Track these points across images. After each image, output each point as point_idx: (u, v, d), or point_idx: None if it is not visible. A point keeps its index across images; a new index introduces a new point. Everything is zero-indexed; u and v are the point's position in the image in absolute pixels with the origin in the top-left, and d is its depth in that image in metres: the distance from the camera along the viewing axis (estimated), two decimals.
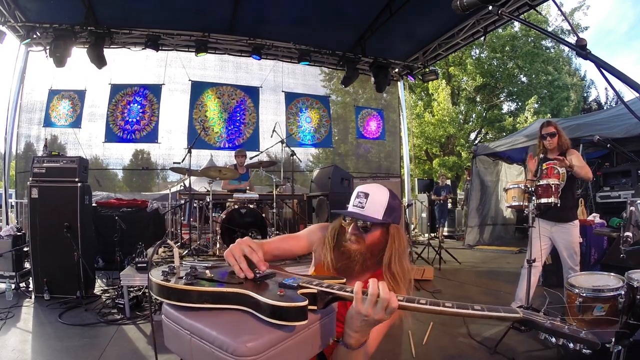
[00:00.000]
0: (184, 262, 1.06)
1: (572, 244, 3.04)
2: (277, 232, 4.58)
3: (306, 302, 0.80)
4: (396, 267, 1.23)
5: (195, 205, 4.63)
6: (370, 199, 1.23)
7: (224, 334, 0.75)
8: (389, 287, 1.20)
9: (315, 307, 0.88)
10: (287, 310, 0.78)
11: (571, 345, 0.74)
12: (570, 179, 3.08)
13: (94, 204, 5.19)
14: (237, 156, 5.73)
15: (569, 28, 18.09)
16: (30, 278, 4.02)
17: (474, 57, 16.49)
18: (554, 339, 0.75)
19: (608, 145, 2.73)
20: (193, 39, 6.82)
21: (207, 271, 0.96)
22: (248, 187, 5.60)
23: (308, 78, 8.73)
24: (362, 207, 1.23)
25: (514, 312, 0.80)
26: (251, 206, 4.26)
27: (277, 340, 0.77)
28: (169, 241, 1.35)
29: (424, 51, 7.74)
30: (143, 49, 6.62)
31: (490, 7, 1.05)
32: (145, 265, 3.45)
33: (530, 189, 2.91)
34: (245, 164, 5.75)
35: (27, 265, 4.34)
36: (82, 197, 4.03)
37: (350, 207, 1.27)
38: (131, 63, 7.22)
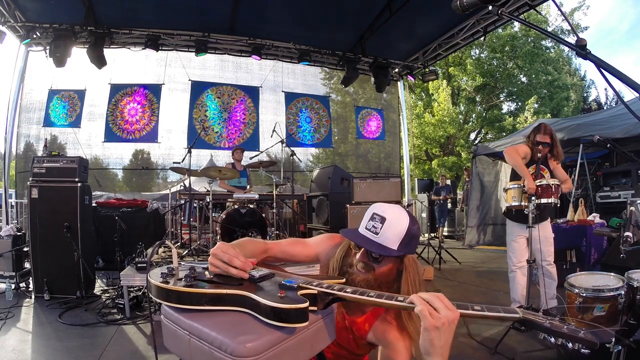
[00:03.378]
0: (182, 263, 1.06)
1: (549, 239, 3.14)
2: (277, 232, 4.58)
3: (307, 304, 0.80)
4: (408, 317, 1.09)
5: (195, 205, 4.62)
6: (387, 226, 1.07)
7: (223, 334, 0.75)
8: (399, 328, 1.09)
9: (315, 308, 0.88)
10: (288, 312, 0.77)
11: (570, 345, 0.74)
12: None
13: (94, 204, 5.19)
14: (234, 152, 5.72)
15: (569, 28, 18.10)
16: (30, 278, 4.02)
17: (473, 57, 16.51)
18: (553, 339, 0.75)
19: (608, 145, 2.73)
20: (193, 39, 6.81)
21: (206, 272, 0.96)
22: (248, 187, 5.59)
23: (308, 78, 8.73)
24: (376, 234, 1.08)
25: (514, 312, 0.80)
26: (251, 206, 4.26)
27: (277, 341, 0.76)
28: (167, 242, 1.33)
29: (424, 51, 7.73)
30: (143, 49, 6.61)
31: (490, 7, 1.05)
32: (145, 265, 3.45)
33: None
34: (246, 163, 5.75)
35: (27, 265, 4.33)
36: (82, 197, 4.02)
37: (362, 229, 1.11)
38: (131, 63, 7.22)
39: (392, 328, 1.12)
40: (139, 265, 3.48)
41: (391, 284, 1.14)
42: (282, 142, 5.16)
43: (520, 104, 17.16)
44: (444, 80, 15.73)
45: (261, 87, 8.19)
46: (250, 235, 4.01)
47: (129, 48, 6.84)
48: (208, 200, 4.20)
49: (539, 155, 3.05)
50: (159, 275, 0.94)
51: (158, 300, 0.89)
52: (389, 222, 1.08)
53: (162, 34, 6.60)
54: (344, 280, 1.05)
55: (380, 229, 1.07)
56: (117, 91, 7.31)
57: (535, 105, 15.73)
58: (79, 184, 3.99)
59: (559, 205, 3.00)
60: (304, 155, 8.56)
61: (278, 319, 0.77)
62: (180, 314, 0.85)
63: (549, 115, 15.35)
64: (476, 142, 16.82)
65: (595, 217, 4.58)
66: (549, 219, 3.24)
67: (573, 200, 5.15)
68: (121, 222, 4.40)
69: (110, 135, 7.21)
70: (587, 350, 0.74)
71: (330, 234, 1.38)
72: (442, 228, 9.15)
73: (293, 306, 0.78)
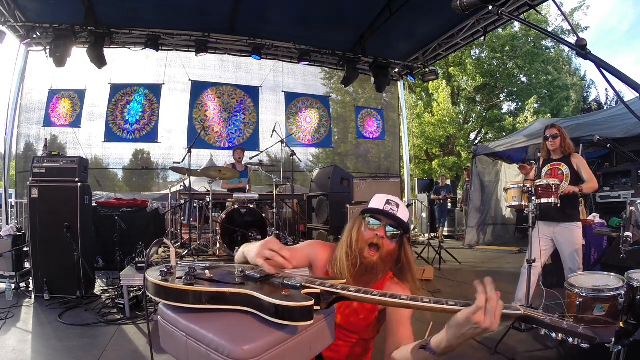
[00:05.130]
0: (179, 263, 1.06)
1: (574, 245, 3.01)
2: (277, 232, 4.58)
3: (312, 302, 0.80)
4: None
5: (195, 205, 4.63)
6: (401, 210, 1.27)
7: (220, 336, 0.74)
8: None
9: (318, 308, 0.88)
10: (292, 310, 0.77)
11: (570, 339, 0.76)
12: (574, 179, 3.08)
13: (94, 204, 5.19)
14: (235, 152, 5.72)
15: (569, 28, 18.10)
16: (30, 278, 4.01)
17: (474, 57, 16.48)
18: (554, 334, 0.78)
19: (608, 145, 2.74)
20: (193, 39, 6.81)
21: (207, 271, 0.96)
22: (248, 187, 5.59)
23: (308, 78, 8.73)
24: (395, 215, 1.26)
25: (515, 309, 0.80)
26: (251, 206, 4.25)
27: (275, 343, 0.76)
28: (165, 240, 1.32)
29: (424, 51, 7.73)
30: (143, 49, 6.61)
31: (490, 7, 1.05)
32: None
33: (530, 189, 2.91)
34: (245, 162, 5.75)
35: (27, 265, 4.33)
36: (82, 197, 4.02)
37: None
38: (131, 63, 7.22)
39: (395, 284, 1.31)
40: (139, 265, 3.48)
41: (392, 262, 1.30)
42: (282, 142, 5.16)
43: (520, 104, 17.14)
44: (444, 80, 15.71)
45: (261, 87, 8.19)
46: (250, 235, 4.01)
47: (129, 48, 6.83)
48: (208, 200, 4.20)
49: (551, 149, 3.15)
50: (158, 274, 0.94)
51: (156, 299, 0.89)
52: (401, 208, 1.28)
53: (162, 34, 6.60)
54: (344, 280, 1.05)
55: (397, 212, 1.25)
56: (117, 91, 7.31)
57: (535, 105, 15.71)
58: (79, 184, 3.99)
59: (559, 205, 2.98)
60: (304, 155, 8.56)
61: (282, 317, 0.77)
62: (178, 315, 0.84)
63: (549, 115, 15.33)
64: (476, 142, 16.81)
65: (595, 217, 4.58)
66: (576, 223, 3.03)
67: None
68: (121, 222, 4.40)
69: (110, 135, 7.21)
70: (587, 345, 0.76)
71: (319, 241, 1.48)
72: (442, 228, 9.14)
73: (298, 304, 0.77)
